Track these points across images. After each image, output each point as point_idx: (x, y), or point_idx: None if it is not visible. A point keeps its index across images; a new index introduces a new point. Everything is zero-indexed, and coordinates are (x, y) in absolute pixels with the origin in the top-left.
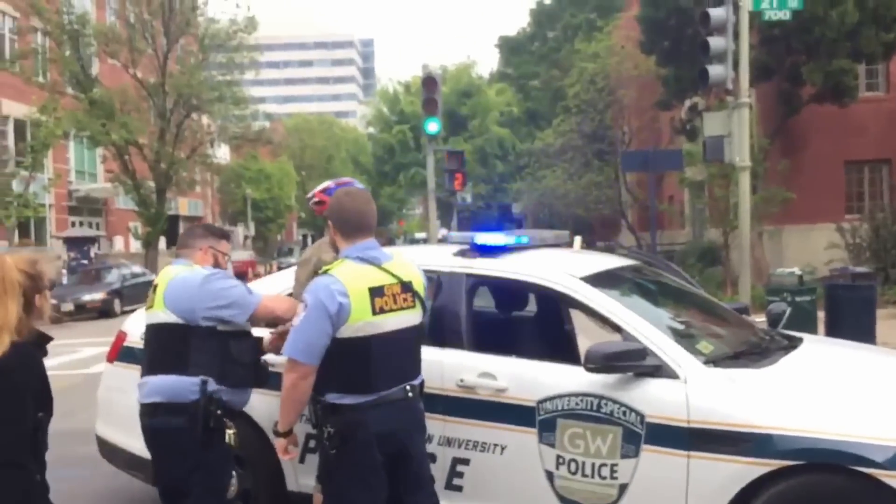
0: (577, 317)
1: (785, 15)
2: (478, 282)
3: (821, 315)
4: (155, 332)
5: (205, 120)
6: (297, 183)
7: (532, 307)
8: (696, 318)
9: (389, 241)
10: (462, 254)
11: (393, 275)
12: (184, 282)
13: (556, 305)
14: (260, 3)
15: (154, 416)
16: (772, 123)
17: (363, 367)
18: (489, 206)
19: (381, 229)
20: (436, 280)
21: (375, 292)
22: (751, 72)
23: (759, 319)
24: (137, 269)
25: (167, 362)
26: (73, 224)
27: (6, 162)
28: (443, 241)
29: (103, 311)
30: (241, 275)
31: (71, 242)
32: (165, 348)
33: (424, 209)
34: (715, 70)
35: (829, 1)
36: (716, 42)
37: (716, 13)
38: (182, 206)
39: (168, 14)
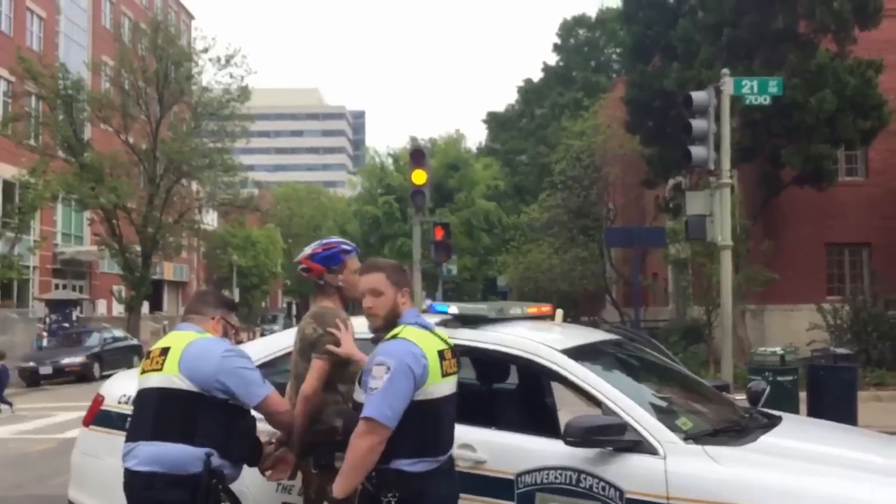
0: (558, 390)
1: (765, 100)
2: (459, 352)
3: (803, 395)
4: (162, 396)
5: (194, 186)
6: (283, 250)
7: (513, 379)
8: (676, 395)
9: None
10: (444, 324)
11: (445, 340)
12: (205, 349)
13: (537, 378)
14: (254, 77)
15: (151, 489)
16: (754, 204)
17: (433, 429)
18: (474, 278)
19: None
20: None
21: (441, 356)
22: (732, 154)
23: (740, 398)
24: (119, 333)
25: (172, 430)
26: (57, 286)
27: None
28: (426, 311)
29: (82, 375)
30: None
31: (53, 305)
32: (172, 415)
33: (410, 280)
34: (697, 151)
35: (809, 88)
36: (698, 124)
37: (698, 96)
38: (167, 270)
39: (163, 82)
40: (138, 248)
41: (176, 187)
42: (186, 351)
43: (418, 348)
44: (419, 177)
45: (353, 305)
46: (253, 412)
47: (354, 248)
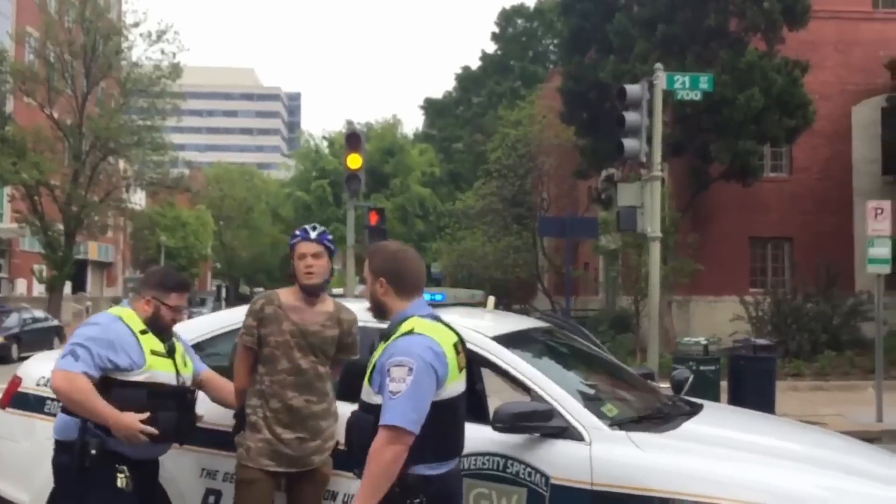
0: (488, 376)
1: (696, 96)
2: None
3: (724, 384)
4: None
5: (122, 164)
6: (214, 233)
7: None
8: (603, 382)
9: None
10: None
11: (455, 331)
12: (85, 323)
13: (467, 364)
14: (187, 55)
15: (54, 454)
16: (683, 197)
17: (452, 431)
18: None
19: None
20: None
21: (456, 349)
22: (664, 147)
23: (664, 386)
24: (39, 313)
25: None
26: None
27: None
28: (360, 297)
29: (0, 357)
30: None
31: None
32: None
33: (343, 265)
34: (630, 143)
35: (738, 85)
36: (631, 117)
37: (632, 90)
38: (92, 250)
39: (90, 56)
40: (61, 227)
41: (102, 165)
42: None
43: (437, 344)
44: (354, 161)
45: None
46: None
47: (302, 233)
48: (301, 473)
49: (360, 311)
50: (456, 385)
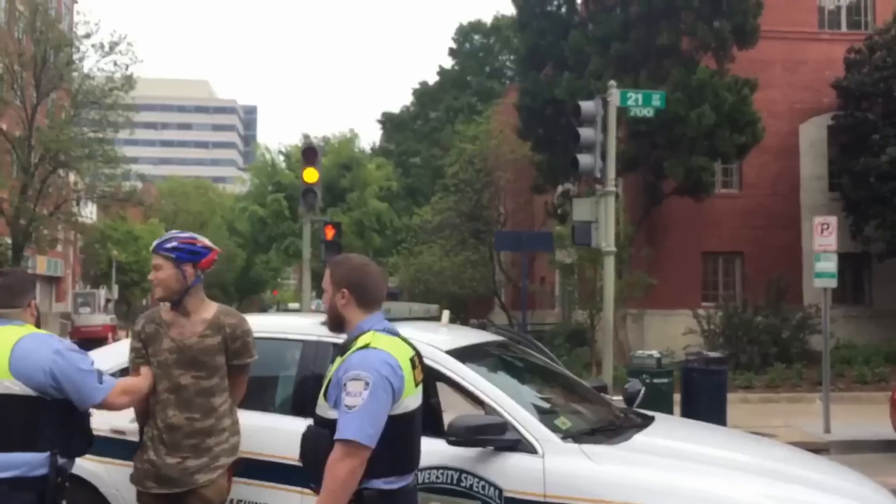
0: (443, 390)
1: (649, 112)
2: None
3: (677, 397)
4: None
5: (72, 177)
6: None
7: None
8: (556, 395)
9: (262, 310)
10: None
11: (412, 346)
12: (36, 349)
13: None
14: (141, 66)
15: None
16: (637, 212)
17: (409, 446)
18: None
19: (255, 297)
20: (301, 349)
21: (412, 364)
22: (618, 163)
23: (618, 398)
24: None
25: (13, 439)
26: None
27: None
28: (315, 311)
29: None
30: (101, 339)
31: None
32: (10, 423)
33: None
34: (584, 159)
35: (690, 103)
36: (586, 133)
37: (586, 106)
38: (40, 264)
39: (40, 67)
40: (9, 241)
41: (52, 178)
42: (18, 350)
43: (394, 358)
44: (311, 175)
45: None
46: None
47: (157, 245)
48: (186, 492)
49: (313, 324)
50: (412, 399)
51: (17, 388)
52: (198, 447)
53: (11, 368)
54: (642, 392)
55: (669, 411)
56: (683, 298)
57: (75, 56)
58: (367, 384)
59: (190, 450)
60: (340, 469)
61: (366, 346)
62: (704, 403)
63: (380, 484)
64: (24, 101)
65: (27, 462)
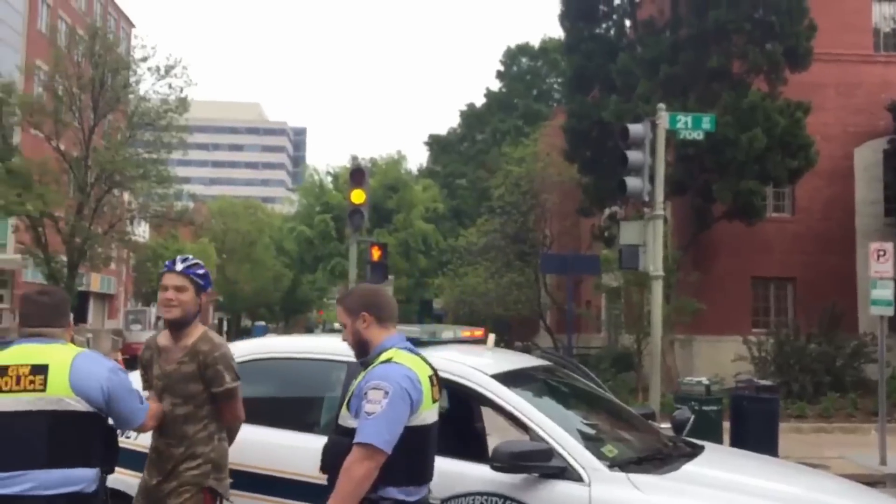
0: (488, 415)
1: (698, 135)
2: None
3: (727, 425)
4: (53, 419)
5: (126, 196)
6: (216, 266)
7: (444, 402)
8: (603, 422)
9: (308, 330)
10: None
11: (430, 365)
12: (92, 367)
13: (467, 402)
14: (195, 89)
15: None
16: (685, 236)
17: (423, 456)
18: (410, 300)
19: (300, 317)
20: (346, 371)
21: (431, 381)
22: (666, 186)
23: (666, 426)
24: None
25: (73, 454)
26: None
27: None
28: None
29: None
30: None
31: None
32: (69, 438)
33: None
34: (632, 182)
35: (740, 126)
36: (634, 156)
37: (634, 129)
38: (94, 282)
39: (98, 89)
40: (64, 258)
41: (107, 197)
42: (77, 369)
43: (413, 373)
44: (358, 196)
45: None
46: None
47: (169, 265)
48: None
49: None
50: (428, 414)
51: (78, 405)
52: (170, 471)
53: (72, 386)
54: (691, 420)
55: (719, 440)
56: (733, 324)
57: (132, 79)
58: (386, 393)
59: (165, 473)
60: (356, 470)
61: (388, 361)
62: (755, 433)
63: (396, 493)
64: (82, 123)
65: (85, 478)
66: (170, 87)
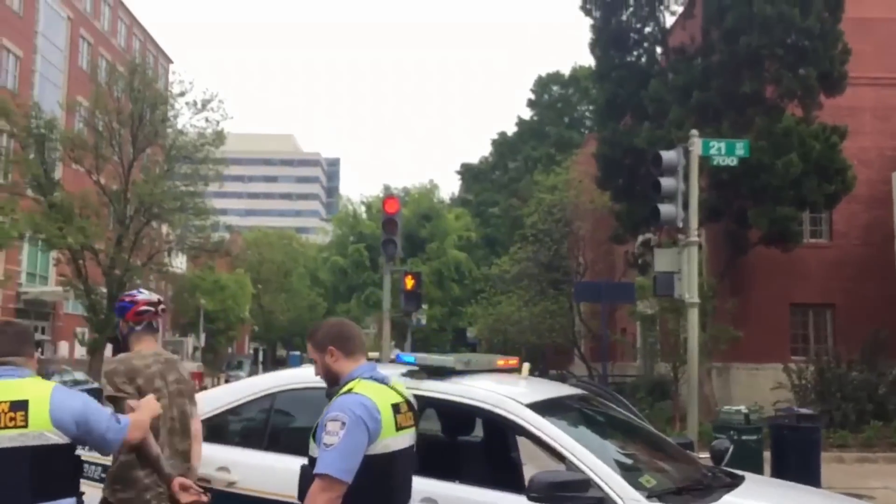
0: (523, 444)
1: (732, 161)
2: (425, 404)
3: (767, 455)
4: (36, 455)
5: (164, 229)
6: (252, 296)
7: (479, 432)
8: (640, 451)
9: None
10: (410, 375)
11: (400, 393)
12: (67, 400)
13: (502, 431)
14: (230, 122)
15: None
16: (720, 263)
17: (388, 484)
18: (443, 328)
19: None
20: None
21: (395, 409)
22: (700, 212)
23: (704, 456)
24: (80, 375)
25: (59, 486)
26: None
27: None
28: (394, 361)
29: None
30: None
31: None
32: (53, 472)
33: (379, 329)
34: (666, 209)
35: (775, 151)
36: (667, 183)
37: (667, 156)
38: None
39: (137, 124)
40: (104, 290)
41: (146, 229)
42: (56, 402)
43: (371, 401)
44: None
45: None
46: None
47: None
48: None
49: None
50: (392, 441)
51: (59, 438)
52: None
53: (52, 419)
54: (731, 450)
55: (759, 470)
56: (772, 352)
57: (170, 113)
58: (343, 424)
59: None
60: (317, 501)
61: (349, 391)
62: (796, 462)
63: None
64: (122, 157)
65: None
66: (206, 120)
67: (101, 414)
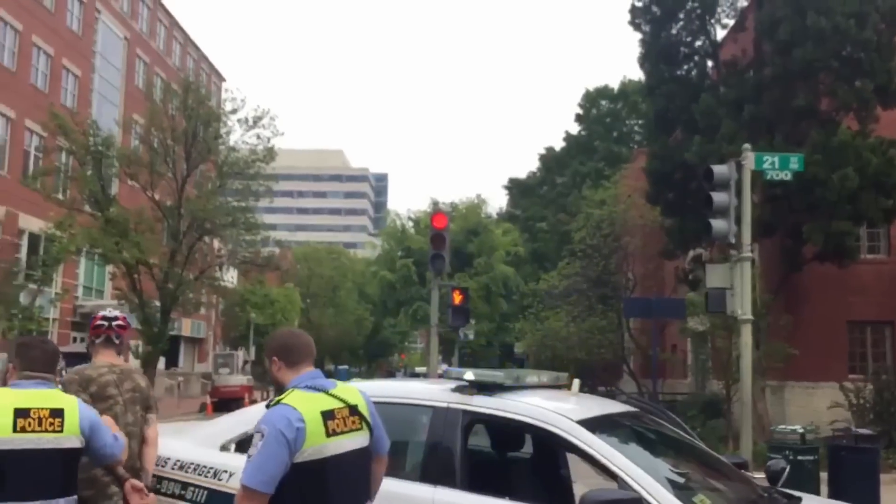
0: (573, 461)
1: (786, 176)
2: (474, 419)
3: (823, 476)
4: (66, 457)
5: (216, 243)
6: (301, 310)
7: (528, 448)
8: (694, 471)
9: (390, 374)
10: (460, 390)
11: (341, 399)
12: (88, 411)
13: (552, 448)
14: (280, 138)
15: None
16: (774, 279)
17: (321, 490)
18: (491, 344)
19: (382, 361)
20: (431, 416)
21: (327, 416)
22: (753, 228)
23: (759, 476)
24: None
25: (72, 483)
26: (75, 339)
27: (16, 274)
28: (442, 376)
29: None
30: (238, 399)
31: (70, 357)
32: (72, 471)
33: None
34: (718, 224)
35: (830, 165)
36: (719, 197)
37: (719, 170)
38: (185, 326)
39: (191, 141)
40: (158, 304)
41: (198, 244)
42: (81, 413)
43: (295, 412)
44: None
45: None
46: None
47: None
48: None
49: (443, 391)
50: (322, 448)
51: (80, 443)
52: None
53: (80, 427)
54: (787, 470)
55: (815, 492)
56: (828, 370)
57: (222, 130)
58: (262, 436)
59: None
60: None
61: (277, 403)
62: (854, 484)
63: None
64: (176, 173)
65: (75, 502)
66: (258, 137)
67: (106, 429)
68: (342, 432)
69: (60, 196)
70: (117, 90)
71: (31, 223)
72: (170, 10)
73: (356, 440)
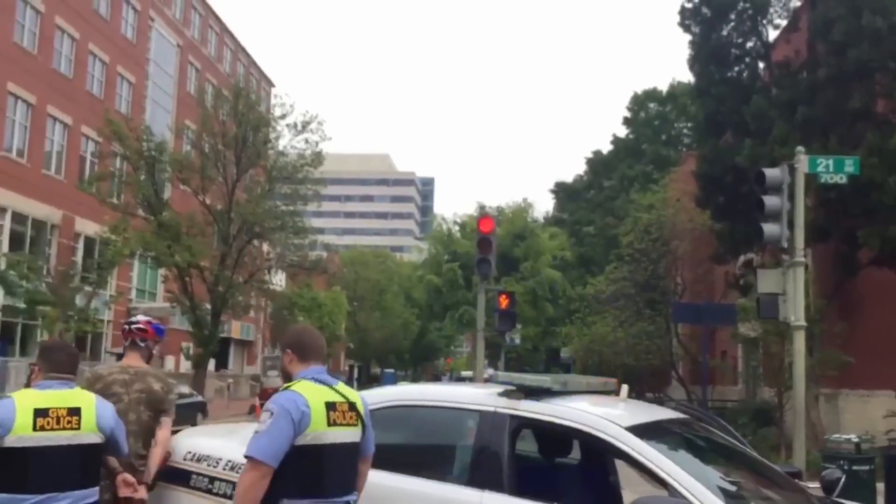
0: (622, 468)
1: (841, 179)
2: (521, 424)
3: (880, 487)
4: (84, 451)
5: (265, 247)
6: (347, 313)
7: (576, 454)
8: (746, 479)
9: (436, 378)
10: (507, 394)
11: (342, 395)
12: (106, 409)
13: (600, 454)
14: (327, 142)
15: None
16: (829, 285)
17: (318, 472)
18: (537, 348)
19: (428, 365)
20: (478, 420)
21: (330, 406)
22: (807, 232)
23: (813, 486)
24: (185, 389)
25: (92, 476)
26: None
27: (73, 277)
28: (488, 380)
29: None
30: None
31: (122, 359)
32: (92, 465)
33: (472, 347)
34: (770, 228)
35: (887, 168)
36: (771, 201)
37: (771, 174)
38: (235, 329)
39: (241, 146)
40: (208, 306)
41: (248, 248)
42: (99, 411)
43: (302, 397)
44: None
45: None
46: None
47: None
48: None
49: (490, 395)
50: (322, 434)
51: (98, 439)
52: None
53: (97, 424)
54: (843, 480)
55: (872, 502)
56: (884, 378)
57: (271, 135)
58: (272, 413)
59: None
60: (243, 479)
61: (286, 389)
62: None
63: (286, 503)
64: (226, 178)
65: (95, 492)
66: (306, 142)
67: (123, 428)
68: (341, 424)
69: (115, 200)
70: (170, 96)
71: (87, 227)
72: (221, 18)
73: (351, 434)
